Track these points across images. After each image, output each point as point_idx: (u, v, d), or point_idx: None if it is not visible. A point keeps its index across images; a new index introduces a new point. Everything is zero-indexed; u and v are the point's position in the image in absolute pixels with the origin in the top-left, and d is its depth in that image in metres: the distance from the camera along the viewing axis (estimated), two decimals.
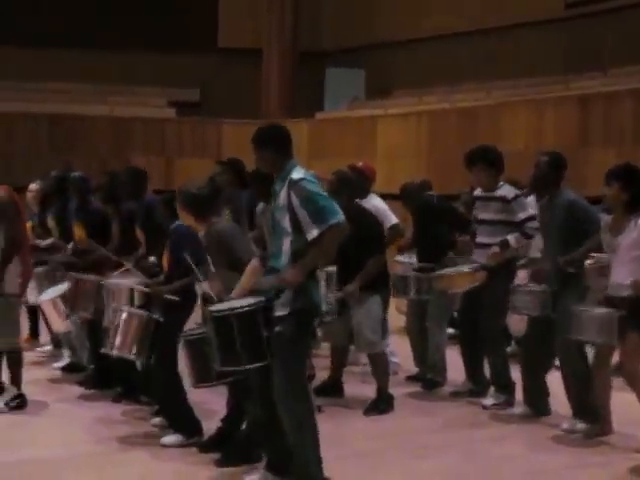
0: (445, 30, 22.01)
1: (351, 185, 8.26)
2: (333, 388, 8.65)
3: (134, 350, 7.16)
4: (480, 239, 8.51)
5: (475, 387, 8.74)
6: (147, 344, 7.11)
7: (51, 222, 9.98)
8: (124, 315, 7.23)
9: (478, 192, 8.63)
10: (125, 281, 8.02)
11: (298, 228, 5.75)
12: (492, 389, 8.53)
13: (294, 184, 5.75)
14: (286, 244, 5.82)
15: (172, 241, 7.29)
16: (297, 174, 5.80)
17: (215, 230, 6.81)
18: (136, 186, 8.54)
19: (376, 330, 8.15)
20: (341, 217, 5.73)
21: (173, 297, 7.12)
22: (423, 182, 9.72)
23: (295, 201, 5.73)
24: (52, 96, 21.63)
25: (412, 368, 9.45)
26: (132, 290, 7.78)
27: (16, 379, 8.16)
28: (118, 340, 7.20)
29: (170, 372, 6.92)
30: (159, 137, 20.97)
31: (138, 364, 7.89)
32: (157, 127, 21.14)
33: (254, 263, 6.45)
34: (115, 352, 7.28)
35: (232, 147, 19.24)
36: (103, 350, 7.39)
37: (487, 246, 8.37)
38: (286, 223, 5.80)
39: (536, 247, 8.63)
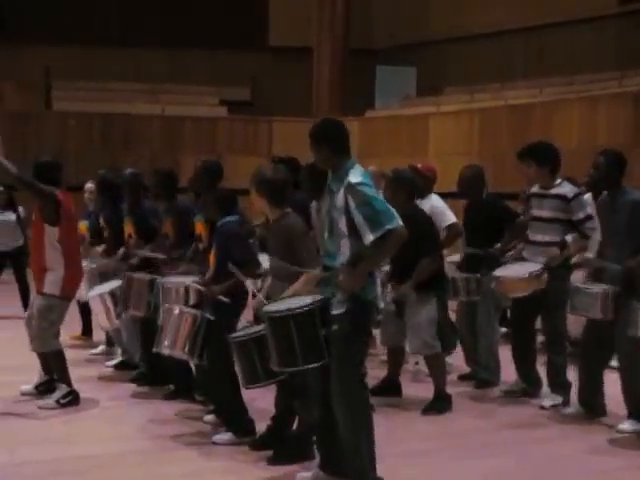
0: (497, 27, 21.91)
1: (409, 184, 8.22)
2: (390, 388, 8.61)
3: (186, 349, 7.15)
4: (533, 236, 8.39)
5: (528, 387, 8.65)
6: (199, 343, 7.10)
7: (103, 223, 9.99)
8: (175, 314, 7.23)
9: (534, 189, 8.52)
10: (179, 280, 8.02)
11: (356, 231, 5.71)
12: (547, 389, 8.45)
13: (351, 188, 5.70)
14: (344, 246, 5.79)
15: (218, 238, 7.29)
16: (355, 177, 5.73)
17: (287, 223, 6.60)
18: (213, 178, 8.15)
19: (432, 331, 8.10)
20: (398, 222, 5.68)
21: (224, 299, 7.12)
22: (480, 172, 9.41)
23: (352, 204, 5.68)
24: (105, 95, 21.80)
25: (465, 367, 9.38)
26: (186, 289, 7.76)
27: (63, 377, 8.20)
28: (169, 339, 7.21)
29: (225, 370, 6.89)
30: (210, 135, 21.05)
31: (192, 363, 7.87)
32: (208, 125, 21.22)
33: (314, 274, 6.35)
34: (166, 351, 7.29)
35: (283, 145, 19.28)
36: (155, 349, 7.39)
37: (540, 244, 8.27)
38: (343, 225, 5.77)
39: (593, 244, 8.48)
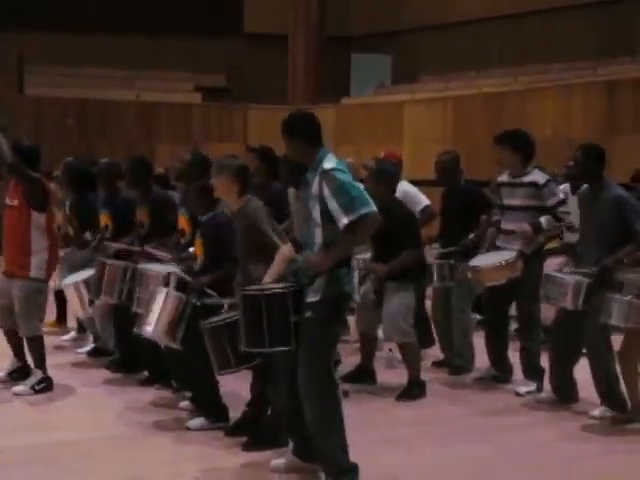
0: (472, 15, 21.93)
1: (391, 176, 8.26)
2: (364, 375, 8.63)
3: (167, 332, 7.07)
4: (506, 225, 8.43)
5: (499, 373, 8.70)
6: (182, 327, 7.06)
7: (69, 214, 9.89)
8: (161, 297, 7.15)
9: (504, 178, 8.55)
10: (159, 267, 7.99)
11: (329, 218, 5.70)
12: (521, 376, 8.49)
13: (325, 174, 5.70)
14: (317, 234, 5.79)
15: (207, 231, 7.27)
16: (329, 163, 5.74)
17: (250, 207, 6.63)
18: (202, 171, 7.91)
19: (408, 319, 8.13)
20: (372, 207, 5.68)
21: (211, 292, 7.10)
22: (456, 157, 9.33)
23: (326, 191, 5.68)
24: (80, 81, 21.67)
25: (439, 354, 9.41)
26: (168, 275, 7.68)
27: (40, 363, 8.18)
28: (152, 321, 7.12)
29: (202, 356, 6.88)
30: (185, 122, 20.97)
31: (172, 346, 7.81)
32: (183, 112, 21.14)
33: (287, 249, 6.39)
34: (148, 332, 7.19)
35: (258, 132, 19.26)
36: (136, 330, 7.32)
37: (513, 232, 8.30)
38: (316, 213, 5.77)
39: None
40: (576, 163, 7.76)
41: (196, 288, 7.20)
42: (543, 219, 8.19)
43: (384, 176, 8.18)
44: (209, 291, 7.13)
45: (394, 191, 8.35)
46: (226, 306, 6.79)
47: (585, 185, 7.87)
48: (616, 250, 7.38)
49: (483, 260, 8.41)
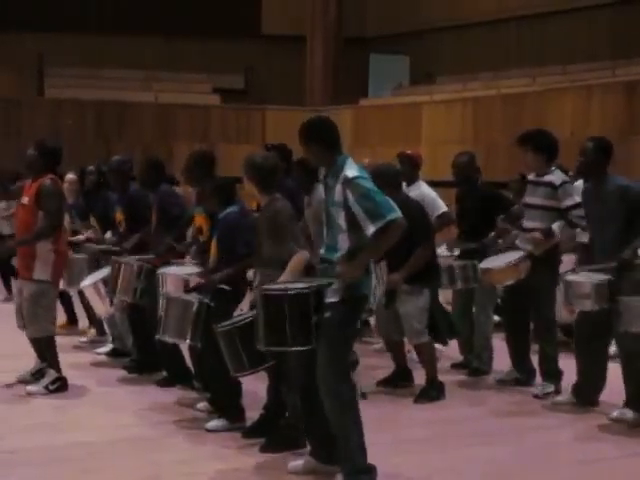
0: (490, 16, 21.88)
1: (391, 177, 8.18)
2: (401, 377, 8.60)
3: (188, 336, 7.16)
4: (526, 223, 8.40)
5: (521, 375, 8.66)
6: (200, 328, 7.08)
7: (93, 219, 9.97)
8: (176, 302, 7.22)
9: (531, 176, 8.52)
10: (178, 269, 8.00)
11: (355, 225, 5.74)
12: (540, 378, 8.45)
13: (349, 182, 5.73)
14: (342, 240, 5.81)
15: (220, 229, 7.27)
16: (351, 171, 5.76)
17: (275, 208, 6.63)
18: (206, 169, 7.98)
19: (422, 320, 8.10)
20: (398, 213, 5.72)
21: (225, 286, 7.11)
22: (473, 158, 9.37)
23: (351, 199, 5.71)
24: (98, 83, 21.74)
25: (457, 356, 9.38)
26: (186, 280, 7.70)
27: (53, 363, 8.19)
28: (173, 327, 7.21)
29: (218, 357, 6.88)
30: (203, 124, 20.99)
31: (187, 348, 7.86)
32: (202, 114, 21.15)
33: (303, 256, 6.38)
34: (170, 340, 7.35)
35: (276, 133, 19.25)
36: (158, 337, 7.39)
37: (531, 231, 8.27)
38: (341, 220, 5.80)
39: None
40: (584, 153, 7.67)
41: (209, 287, 7.22)
42: (555, 225, 8.14)
43: (383, 179, 8.08)
44: (223, 286, 7.10)
45: (399, 188, 8.27)
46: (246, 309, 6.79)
47: (586, 182, 7.85)
48: (631, 241, 7.34)
49: (492, 262, 8.45)
